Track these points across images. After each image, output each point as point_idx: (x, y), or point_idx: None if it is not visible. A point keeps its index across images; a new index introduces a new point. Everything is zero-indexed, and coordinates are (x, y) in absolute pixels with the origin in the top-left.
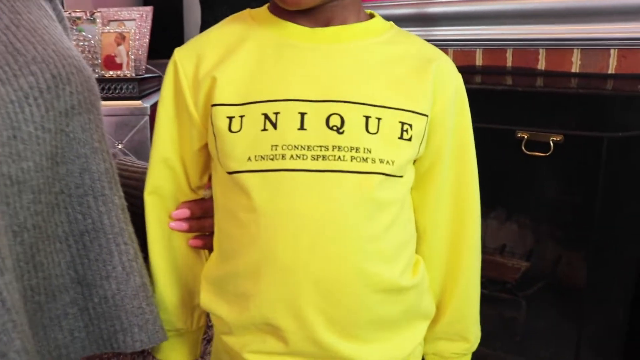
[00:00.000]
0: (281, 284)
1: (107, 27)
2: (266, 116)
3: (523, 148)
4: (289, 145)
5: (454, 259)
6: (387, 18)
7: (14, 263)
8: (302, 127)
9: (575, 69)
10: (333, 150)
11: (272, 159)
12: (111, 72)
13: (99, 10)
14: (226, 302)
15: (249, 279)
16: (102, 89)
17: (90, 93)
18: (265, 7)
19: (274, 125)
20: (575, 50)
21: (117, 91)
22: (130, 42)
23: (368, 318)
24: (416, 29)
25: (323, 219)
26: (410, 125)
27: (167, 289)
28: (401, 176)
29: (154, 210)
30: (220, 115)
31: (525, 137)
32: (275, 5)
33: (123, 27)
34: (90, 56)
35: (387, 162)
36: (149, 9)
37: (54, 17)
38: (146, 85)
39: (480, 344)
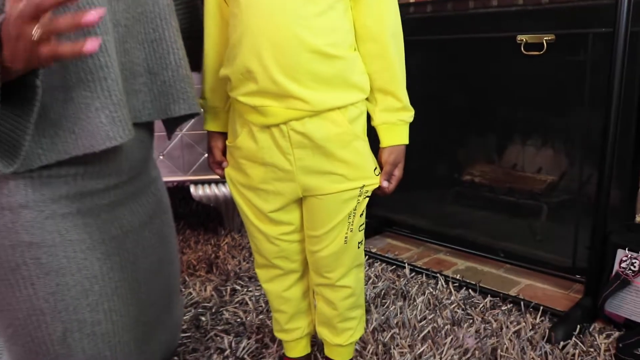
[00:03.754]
0: (252, 45)
1: None
2: None
3: (522, 50)
4: None
5: (383, 57)
6: None
7: (114, 43)
8: None
9: None
10: None
11: None
12: None
13: None
14: (229, 64)
15: (237, 46)
16: None
17: None
18: None
19: None
20: None
21: None
22: None
23: (305, 69)
24: None
25: (275, 6)
26: None
27: (213, 79)
28: None
29: (212, 9)
30: None
31: (525, 39)
32: None
33: None
34: None
35: None
36: None
37: None
38: None
39: (507, 240)
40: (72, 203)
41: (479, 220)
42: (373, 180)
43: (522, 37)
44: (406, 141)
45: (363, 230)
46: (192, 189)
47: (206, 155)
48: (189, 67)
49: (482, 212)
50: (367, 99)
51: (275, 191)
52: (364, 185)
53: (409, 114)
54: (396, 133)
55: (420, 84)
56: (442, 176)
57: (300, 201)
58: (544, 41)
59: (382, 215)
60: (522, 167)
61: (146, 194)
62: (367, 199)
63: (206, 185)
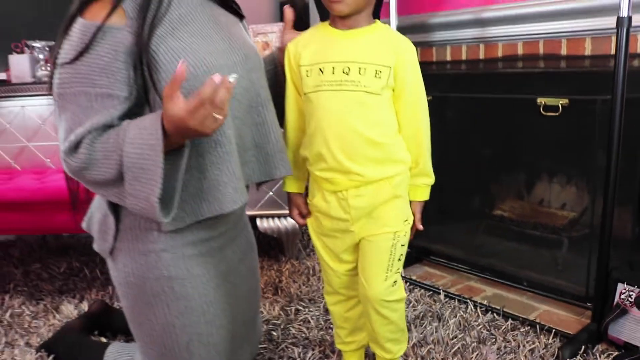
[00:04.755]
0: (322, 136)
1: (257, 38)
2: (320, 69)
3: (542, 111)
4: (326, 81)
5: (416, 140)
6: (450, 23)
7: (234, 132)
8: (332, 73)
9: (587, 52)
10: (344, 82)
11: (319, 86)
12: None
13: (250, 26)
14: (306, 148)
15: (312, 136)
16: None
17: (260, 64)
18: (328, 21)
19: (322, 72)
20: (587, 39)
21: None
22: (273, 48)
23: (362, 153)
24: (471, 30)
25: (338, 109)
26: (381, 71)
27: (293, 155)
28: (379, 94)
29: (291, 104)
30: (303, 69)
31: (544, 102)
32: (332, 18)
33: (267, 38)
34: None
35: (367, 86)
36: (284, 24)
37: (243, 28)
38: None
39: (531, 270)
40: (196, 247)
41: (506, 251)
42: (403, 227)
43: (541, 100)
44: (425, 198)
45: (399, 273)
46: (258, 221)
47: (270, 193)
48: (283, 140)
49: (510, 244)
50: None
51: (340, 238)
52: (397, 231)
53: (430, 180)
54: (418, 192)
55: (456, 132)
56: (474, 211)
57: (358, 245)
58: (560, 104)
59: (421, 246)
60: (549, 203)
61: (241, 236)
62: (403, 246)
63: (270, 219)
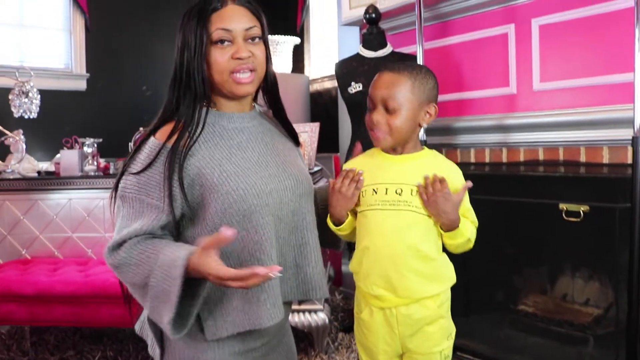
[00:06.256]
0: (375, 253)
1: None
2: (374, 189)
3: (563, 215)
4: (380, 200)
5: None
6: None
7: (276, 252)
8: (386, 193)
9: (605, 160)
10: (397, 202)
11: (373, 205)
12: None
13: None
14: (357, 264)
15: (363, 251)
16: None
17: (310, 190)
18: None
19: (376, 192)
20: (605, 147)
21: None
22: (306, 147)
23: (413, 269)
24: (494, 134)
25: (392, 226)
26: None
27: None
28: (428, 215)
29: None
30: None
31: (565, 208)
32: None
33: (300, 137)
34: None
35: (419, 207)
36: (316, 125)
37: (299, 154)
38: (315, 175)
39: None
40: (241, 356)
41: (532, 347)
42: (448, 344)
43: (563, 206)
44: (453, 238)
45: None
46: (289, 316)
47: None
48: (323, 264)
49: (535, 339)
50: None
51: (384, 350)
52: (443, 350)
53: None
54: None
55: (481, 231)
56: (500, 306)
57: (401, 356)
58: (581, 211)
59: None
60: (572, 298)
61: (282, 343)
62: (447, 357)
63: (301, 314)
